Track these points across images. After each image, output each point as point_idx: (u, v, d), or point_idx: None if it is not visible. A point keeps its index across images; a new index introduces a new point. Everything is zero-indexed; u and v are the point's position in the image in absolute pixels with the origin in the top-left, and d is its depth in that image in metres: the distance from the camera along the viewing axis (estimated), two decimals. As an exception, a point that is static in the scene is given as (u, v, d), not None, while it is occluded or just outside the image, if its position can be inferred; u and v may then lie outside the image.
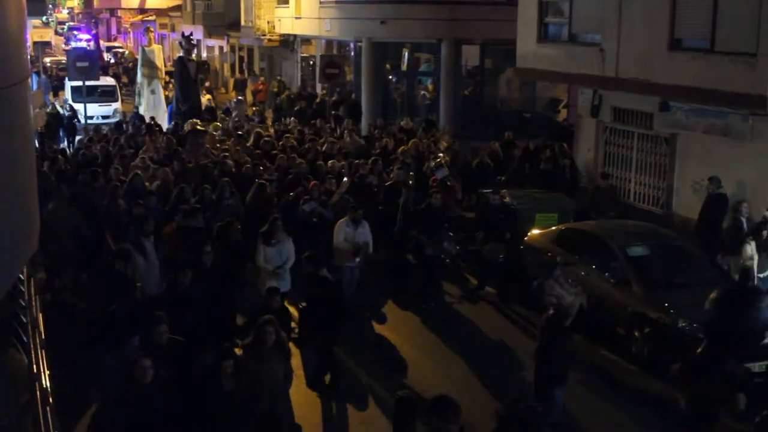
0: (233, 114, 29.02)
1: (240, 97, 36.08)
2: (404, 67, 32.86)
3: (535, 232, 15.34)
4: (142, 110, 28.63)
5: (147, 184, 15.89)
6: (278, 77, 37.72)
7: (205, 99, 31.21)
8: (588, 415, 10.97)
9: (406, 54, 32.15)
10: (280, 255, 12.54)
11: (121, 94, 36.16)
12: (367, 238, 13.96)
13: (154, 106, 28.68)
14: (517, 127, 25.62)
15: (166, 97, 30.16)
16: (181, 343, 9.44)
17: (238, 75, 43.52)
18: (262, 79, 38.88)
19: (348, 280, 13.93)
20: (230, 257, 12.49)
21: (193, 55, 30.43)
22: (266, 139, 20.99)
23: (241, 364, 9.02)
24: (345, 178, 16.72)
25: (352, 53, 33.12)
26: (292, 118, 27.51)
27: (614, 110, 19.82)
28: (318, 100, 30.42)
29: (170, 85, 32.42)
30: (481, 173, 19.45)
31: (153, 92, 29.07)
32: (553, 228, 15.30)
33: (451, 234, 14.93)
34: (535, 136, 23.10)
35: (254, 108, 33.05)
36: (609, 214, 16.89)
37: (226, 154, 18.88)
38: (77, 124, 27.69)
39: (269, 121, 29.21)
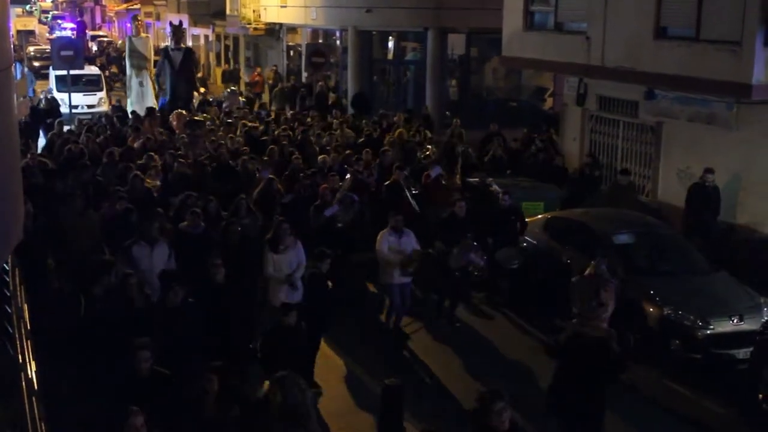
0: (224, 105, 28.15)
1: (233, 88, 34.99)
2: (390, 56, 32.80)
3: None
4: (129, 102, 28.20)
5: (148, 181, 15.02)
6: (274, 67, 36.79)
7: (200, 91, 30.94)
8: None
9: (392, 42, 32.09)
10: (290, 263, 11.43)
11: (111, 83, 35.98)
12: (416, 246, 12.73)
13: (142, 97, 28.12)
14: (503, 116, 25.69)
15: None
16: (166, 376, 8.23)
17: (225, 66, 42.55)
18: (258, 69, 37.83)
19: (399, 300, 12.76)
20: (244, 272, 11.37)
21: (182, 44, 29.62)
22: (251, 125, 20.77)
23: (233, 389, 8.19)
24: (348, 175, 16.01)
25: (338, 42, 33.04)
26: (291, 112, 26.56)
27: (600, 99, 19.85)
28: (317, 92, 29.24)
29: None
30: (495, 168, 19.25)
31: (141, 84, 28.54)
32: (540, 216, 15.34)
33: (476, 243, 13.45)
34: (521, 125, 23.15)
35: (242, 98, 32.19)
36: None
37: (222, 142, 18.29)
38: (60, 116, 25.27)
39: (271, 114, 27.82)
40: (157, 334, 8.76)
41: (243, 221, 12.80)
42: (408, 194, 15.47)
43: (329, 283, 11.53)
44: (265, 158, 17.49)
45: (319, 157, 17.52)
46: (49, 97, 27.72)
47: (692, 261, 13.23)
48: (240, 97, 32.17)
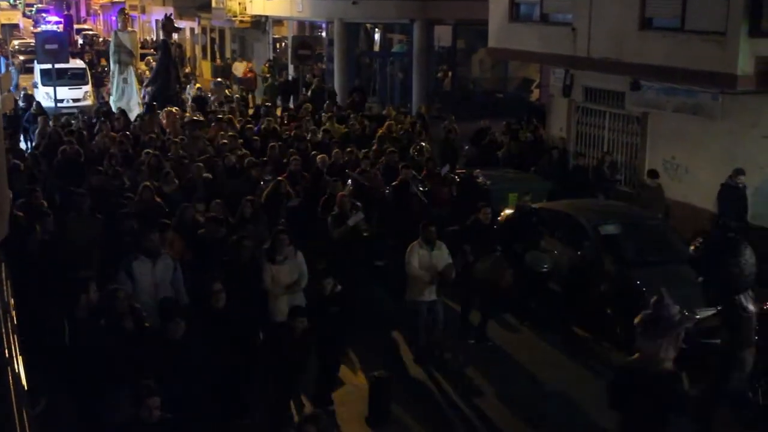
0: (211, 98, 27.77)
1: (219, 80, 34.49)
2: (376, 48, 32.76)
3: (508, 211, 15.38)
4: (112, 100, 27.14)
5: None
6: (269, 61, 36.08)
7: (194, 88, 30.03)
8: (570, 392, 11.09)
9: (378, 34, 32.06)
10: (290, 274, 10.73)
11: (102, 78, 35.54)
12: (449, 260, 11.65)
13: (126, 96, 26.89)
14: (490, 108, 25.73)
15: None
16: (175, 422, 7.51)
17: (218, 62, 41.03)
18: (250, 65, 37.07)
19: (429, 319, 11.69)
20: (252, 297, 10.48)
21: (172, 37, 29.20)
22: (248, 125, 20.25)
23: None
24: (349, 181, 15.13)
25: (324, 33, 32.95)
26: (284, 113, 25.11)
27: (586, 90, 19.88)
28: (313, 87, 28.50)
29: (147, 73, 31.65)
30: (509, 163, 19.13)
31: (125, 81, 27.17)
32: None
33: (503, 255, 12.52)
34: (507, 116, 23.17)
35: (236, 94, 31.03)
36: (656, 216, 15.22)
37: (225, 141, 17.55)
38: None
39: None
40: (154, 365, 8.06)
41: (248, 227, 12.18)
42: (419, 194, 14.81)
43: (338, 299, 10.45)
44: (264, 158, 16.70)
45: (318, 157, 16.35)
46: (23, 94, 27.06)
47: (678, 250, 13.27)
48: (227, 90, 31.66)
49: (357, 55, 32.28)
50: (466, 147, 21.10)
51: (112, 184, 14.56)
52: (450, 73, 30.99)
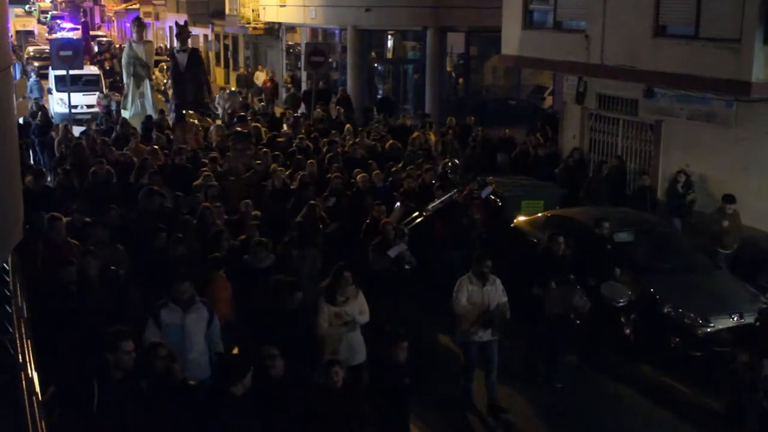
0: (226, 106, 26.88)
1: (233, 89, 33.33)
2: (390, 55, 32.79)
3: (521, 218, 15.36)
4: (128, 115, 25.60)
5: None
6: (290, 73, 35.54)
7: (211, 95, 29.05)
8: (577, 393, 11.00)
9: (392, 42, 32.08)
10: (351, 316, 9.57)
11: (119, 85, 35.47)
12: (502, 297, 10.40)
13: (143, 111, 25.60)
14: (503, 115, 25.71)
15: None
16: None
17: (241, 70, 39.86)
18: (270, 74, 36.60)
19: (480, 359, 10.48)
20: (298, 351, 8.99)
21: (188, 45, 27.56)
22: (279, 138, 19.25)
23: None
24: (398, 203, 13.85)
25: (337, 41, 33.00)
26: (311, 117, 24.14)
27: (599, 97, 19.84)
28: (339, 97, 28.02)
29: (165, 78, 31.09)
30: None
31: (141, 95, 25.92)
32: (539, 215, 15.33)
33: (579, 286, 11.24)
34: (520, 123, 23.15)
35: (262, 103, 29.91)
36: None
37: (271, 152, 16.77)
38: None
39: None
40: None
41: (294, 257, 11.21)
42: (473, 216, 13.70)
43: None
44: (304, 173, 15.45)
45: (359, 177, 15.05)
46: (33, 103, 26.22)
47: (693, 259, 13.24)
48: (255, 100, 30.47)
49: (370, 62, 32.31)
50: (499, 157, 20.42)
51: (153, 203, 13.15)
52: (462, 80, 30.99)
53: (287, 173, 15.40)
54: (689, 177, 16.26)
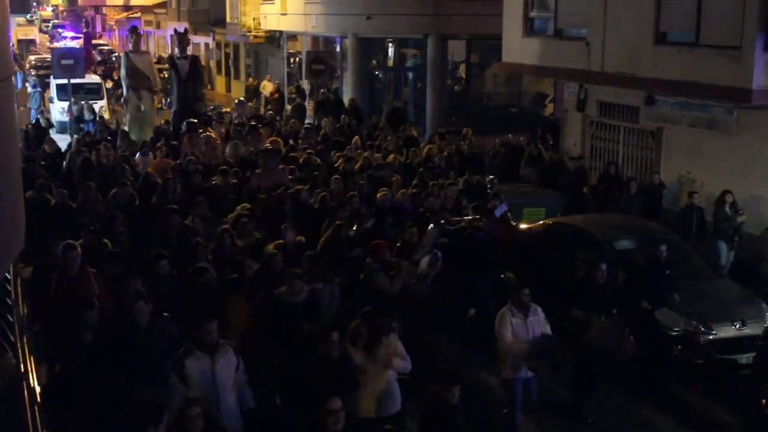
0: (233, 116, 25.89)
1: (241, 98, 32.40)
2: (390, 63, 32.84)
3: (523, 226, 15.35)
4: (128, 128, 24.36)
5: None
6: (297, 83, 34.92)
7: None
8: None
9: (392, 49, 32.12)
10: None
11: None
12: (546, 329, 9.71)
13: (141, 125, 24.57)
14: (504, 122, 25.71)
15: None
16: None
17: (251, 81, 39.10)
18: (276, 84, 35.99)
19: (525, 398, 9.82)
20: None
21: (188, 52, 26.97)
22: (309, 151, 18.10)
23: None
24: (431, 225, 12.77)
25: (338, 49, 33.05)
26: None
27: (600, 104, 19.86)
28: (348, 107, 27.46)
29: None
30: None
31: (138, 109, 24.71)
32: (540, 222, 15.32)
33: (622, 324, 10.36)
34: (521, 131, 23.16)
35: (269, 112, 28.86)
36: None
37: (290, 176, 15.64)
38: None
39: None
40: None
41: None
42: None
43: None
44: (331, 188, 14.73)
45: (379, 195, 14.13)
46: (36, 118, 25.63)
47: (695, 266, 13.21)
48: (247, 108, 29.14)
49: (370, 70, 32.35)
50: (524, 169, 19.38)
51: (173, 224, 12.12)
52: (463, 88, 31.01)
53: (306, 189, 14.58)
54: (734, 198, 15.04)
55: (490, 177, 17.05)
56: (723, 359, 11.39)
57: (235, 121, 23.63)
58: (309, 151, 18.46)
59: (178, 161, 17.40)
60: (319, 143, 20.52)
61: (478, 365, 11.28)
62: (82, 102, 29.13)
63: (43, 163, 17.71)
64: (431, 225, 12.78)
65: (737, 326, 11.61)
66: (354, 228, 12.83)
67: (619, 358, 10.25)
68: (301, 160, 17.57)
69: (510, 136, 21.78)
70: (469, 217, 13.37)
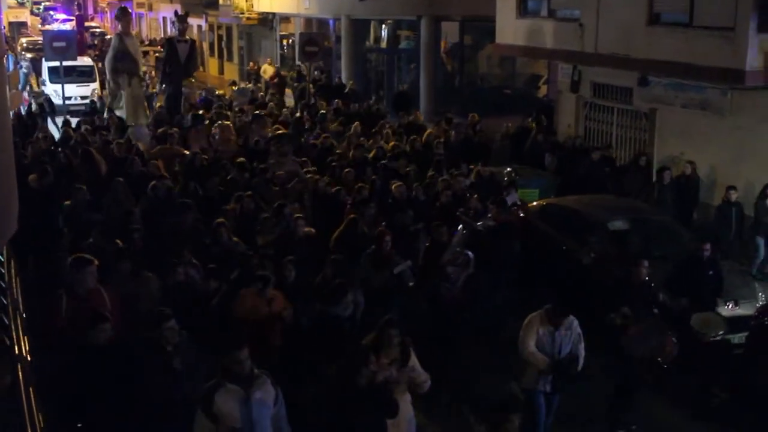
0: (234, 104, 25.54)
1: (242, 86, 32.20)
2: (384, 45, 32.75)
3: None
4: (123, 114, 23.67)
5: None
6: (298, 66, 33.99)
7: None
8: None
9: (386, 31, 32.02)
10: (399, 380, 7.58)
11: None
12: (577, 349, 8.66)
13: (135, 110, 24.01)
14: (498, 104, 25.67)
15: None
16: None
17: (251, 65, 37.87)
18: (276, 67, 35.17)
19: (544, 411, 8.90)
20: None
21: (187, 35, 26.69)
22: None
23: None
24: (460, 226, 12.18)
25: (331, 31, 32.96)
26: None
27: (594, 85, 19.86)
28: (346, 91, 27.11)
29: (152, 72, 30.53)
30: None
31: (132, 95, 24.02)
32: (535, 203, 15.34)
33: (663, 323, 9.79)
34: (515, 112, 23.12)
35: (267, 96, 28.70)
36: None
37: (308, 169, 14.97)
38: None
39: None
40: None
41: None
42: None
43: None
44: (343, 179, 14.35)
45: (394, 188, 13.49)
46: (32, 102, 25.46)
47: (687, 247, 13.23)
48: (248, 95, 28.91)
49: (364, 51, 32.26)
50: (548, 157, 18.41)
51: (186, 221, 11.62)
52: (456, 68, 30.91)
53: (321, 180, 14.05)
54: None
55: (508, 170, 16.62)
56: (715, 339, 11.41)
57: (236, 109, 23.43)
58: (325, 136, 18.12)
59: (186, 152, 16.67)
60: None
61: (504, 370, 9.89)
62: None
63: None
64: (460, 226, 12.17)
65: (730, 306, 11.65)
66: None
67: (661, 361, 9.55)
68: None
69: (509, 125, 21.01)
70: (491, 214, 12.69)
